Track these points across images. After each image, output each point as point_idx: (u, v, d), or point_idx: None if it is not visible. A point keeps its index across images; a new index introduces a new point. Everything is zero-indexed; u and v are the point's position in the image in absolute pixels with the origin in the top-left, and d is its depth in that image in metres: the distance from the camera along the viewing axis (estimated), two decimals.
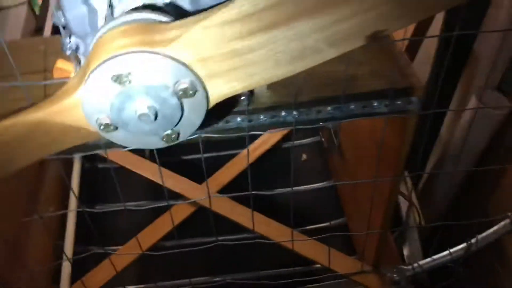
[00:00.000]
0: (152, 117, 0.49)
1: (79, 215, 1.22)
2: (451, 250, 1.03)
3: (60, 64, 0.64)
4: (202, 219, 1.22)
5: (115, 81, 0.47)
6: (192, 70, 0.48)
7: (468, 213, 1.30)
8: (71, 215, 1.21)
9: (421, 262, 1.06)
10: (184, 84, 0.48)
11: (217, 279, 1.22)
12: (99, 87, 0.48)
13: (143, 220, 1.23)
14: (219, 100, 0.52)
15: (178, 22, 0.49)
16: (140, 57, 0.46)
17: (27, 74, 0.75)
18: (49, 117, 0.51)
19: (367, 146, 0.98)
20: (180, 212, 1.18)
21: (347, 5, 0.49)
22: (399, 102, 0.74)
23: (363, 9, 0.49)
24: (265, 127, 0.73)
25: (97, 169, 1.42)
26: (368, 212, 1.01)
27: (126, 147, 0.57)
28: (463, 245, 1.02)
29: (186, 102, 0.50)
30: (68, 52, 0.61)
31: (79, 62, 0.63)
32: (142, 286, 1.18)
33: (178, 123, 0.51)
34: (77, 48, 0.62)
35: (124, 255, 1.05)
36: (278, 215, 1.18)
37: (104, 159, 1.37)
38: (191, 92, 0.48)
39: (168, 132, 0.52)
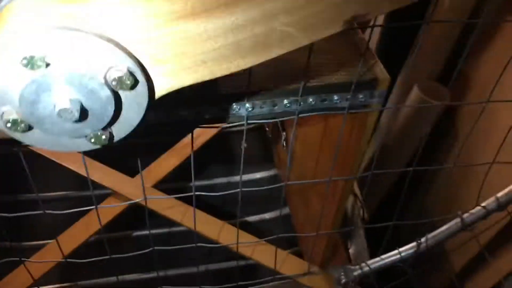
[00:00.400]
0: (76, 114, 0.37)
1: None
2: (400, 249, 0.99)
3: None
4: (136, 215, 1.10)
5: (25, 65, 0.35)
6: (129, 53, 0.38)
7: (412, 205, 1.28)
8: None
9: (369, 262, 1.01)
10: (119, 72, 0.37)
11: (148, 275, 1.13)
12: (4, 72, 0.36)
13: (67, 217, 1.10)
14: (163, 94, 0.42)
15: None
16: (59, 35, 0.35)
17: None
18: None
19: (318, 140, 0.91)
20: (109, 210, 1.06)
21: None
22: (361, 96, 0.67)
23: None
24: (213, 122, 0.63)
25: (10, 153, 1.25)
26: (316, 211, 0.95)
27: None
28: (413, 244, 0.99)
29: (122, 94, 0.39)
30: None
31: None
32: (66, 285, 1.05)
33: (110, 121, 0.41)
34: None
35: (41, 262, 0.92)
36: (216, 206, 1.10)
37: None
38: (128, 82, 0.38)
39: (98, 132, 0.41)
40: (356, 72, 0.64)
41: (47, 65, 0.36)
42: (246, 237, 1.00)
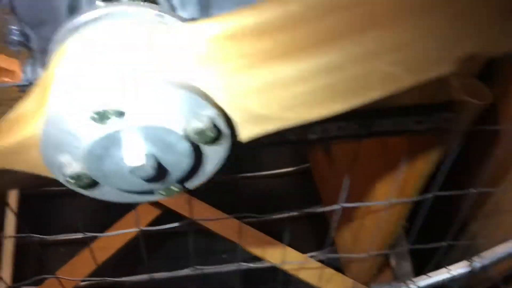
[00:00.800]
0: (151, 171, 0.32)
1: None
2: (450, 267, 0.94)
3: (1, 62, 0.45)
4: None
5: (95, 120, 0.30)
6: (212, 101, 0.32)
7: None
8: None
9: (416, 279, 0.96)
10: (200, 123, 0.32)
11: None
12: (68, 125, 0.30)
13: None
14: (245, 141, 0.36)
15: (194, 28, 0.32)
16: (138, 87, 0.29)
17: None
18: None
19: (374, 160, 0.84)
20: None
21: (437, 18, 0.33)
22: (434, 119, 0.61)
23: (460, 24, 0.34)
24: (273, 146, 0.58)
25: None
26: (366, 230, 0.90)
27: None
28: (465, 262, 0.93)
29: (202, 147, 0.34)
30: (14, 47, 0.43)
31: (29, 59, 0.45)
32: None
33: (186, 175, 0.35)
34: (26, 40, 0.43)
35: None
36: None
37: None
38: (211, 134, 0.32)
39: (170, 185, 0.36)
40: (431, 94, 0.58)
41: (119, 116, 0.30)
42: (292, 254, 0.95)
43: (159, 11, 0.34)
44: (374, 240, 0.84)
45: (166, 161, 0.33)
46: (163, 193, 0.36)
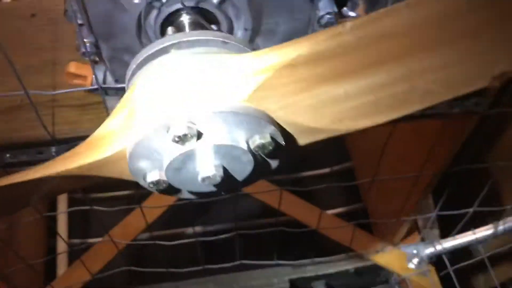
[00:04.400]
0: (218, 179, 0.38)
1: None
2: (475, 230, 0.99)
3: (73, 68, 0.50)
4: None
5: (176, 142, 0.35)
6: (272, 121, 0.37)
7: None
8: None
9: (442, 241, 1.02)
10: (262, 139, 0.37)
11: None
12: (153, 145, 0.36)
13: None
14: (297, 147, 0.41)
15: (256, 57, 0.36)
16: (211, 113, 0.35)
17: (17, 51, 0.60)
18: (86, 171, 0.39)
19: (407, 138, 0.88)
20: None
21: (474, 41, 0.37)
22: (466, 104, 0.64)
23: (494, 45, 0.38)
24: None
25: None
26: (394, 196, 0.95)
27: None
28: (489, 226, 0.98)
29: (260, 156, 0.39)
30: (86, 56, 0.48)
31: (99, 66, 0.50)
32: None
33: (246, 178, 0.41)
34: (97, 50, 0.48)
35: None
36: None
37: None
38: (270, 147, 0.37)
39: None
40: None
41: (197, 138, 0.35)
42: (325, 217, 1.01)
43: (224, 38, 0.38)
44: (403, 205, 0.90)
45: (232, 169, 0.39)
46: (225, 192, 0.42)
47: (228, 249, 1.02)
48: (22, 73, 0.48)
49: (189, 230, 1.13)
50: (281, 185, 0.85)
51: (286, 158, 0.41)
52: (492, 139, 0.97)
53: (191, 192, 0.41)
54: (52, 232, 1.09)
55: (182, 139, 0.35)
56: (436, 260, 1.02)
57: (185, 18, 0.45)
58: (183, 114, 0.34)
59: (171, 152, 0.36)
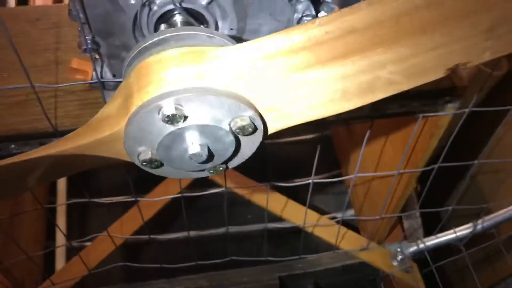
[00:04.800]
0: (204, 156, 0.43)
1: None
2: (456, 229, 1.04)
3: (76, 64, 0.55)
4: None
5: (166, 122, 0.40)
6: (251, 106, 0.42)
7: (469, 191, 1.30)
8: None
9: (424, 239, 1.06)
10: (242, 121, 0.42)
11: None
12: (146, 125, 0.41)
13: None
14: (275, 131, 0.46)
15: (236, 50, 0.41)
16: (198, 97, 0.40)
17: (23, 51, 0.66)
18: (85, 150, 0.44)
19: (386, 136, 0.93)
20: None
21: (429, 36, 0.42)
22: (439, 102, 0.70)
23: (447, 41, 0.43)
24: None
25: None
26: (379, 196, 1.00)
27: None
28: (469, 225, 1.03)
29: (241, 138, 0.44)
30: (87, 53, 0.53)
31: (98, 62, 0.55)
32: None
33: (229, 158, 0.46)
34: (97, 47, 0.53)
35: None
36: None
37: None
38: (249, 129, 0.42)
39: (217, 166, 0.46)
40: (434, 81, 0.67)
41: (184, 119, 0.40)
42: (312, 216, 1.06)
43: (209, 33, 0.43)
44: (386, 203, 0.95)
45: (215, 149, 0.43)
46: (212, 171, 0.47)
47: (220, 249, 1.07)
48: (27, 70, 0.53)
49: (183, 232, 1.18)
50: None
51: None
52: (474, 138, 1.02)
53: (182, 170, 0.46)
54: (50, 234, 1.14)
55: (171, 119, 0.40)
56: (421, 257, 1.07)
57: (177, 18, 0.50)
58: (172, 96, 0.39)
59: (161, 131, 0.41)
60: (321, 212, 1.14)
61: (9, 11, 0.73)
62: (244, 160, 0.48)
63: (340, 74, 0.43)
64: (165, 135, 0.41)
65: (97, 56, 0.55)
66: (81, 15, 0.50)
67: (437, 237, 1.06)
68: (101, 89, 0.56)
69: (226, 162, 0.46)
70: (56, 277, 0.98)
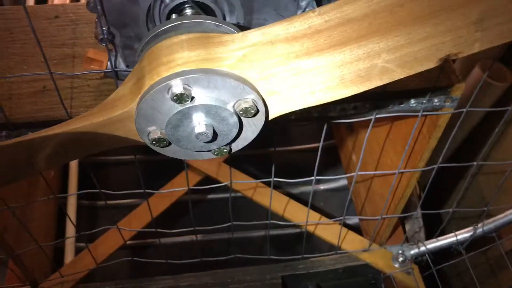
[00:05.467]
0: (210, 136, 0.46)
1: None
2: (457, 232, 1.05)
3: (91, 54, 0.59)
4: None
5: (175, 101, 0.43)
6: (254, 89, 0.45)
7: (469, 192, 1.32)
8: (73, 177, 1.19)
9: (426, 242, 1.08)
10: (246, 103, 0.45)
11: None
12: (156, 104, 0.44)
13: None
14: (276, 116, 0.49)
15: (242, 36, 0.44)
16: (204, 78, 0.43)
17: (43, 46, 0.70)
18: (98, 128, 0.47)
19: (386, 134, 0.96)
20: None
21: (422, 27, 0.45)
22: (436, 100, 0.72)
23: (439, 31, 0.46)
24: (299, 122, 0.71)
25: None
26: (379, 196, 1.02)
27: None
28: (469, 228, 1.05)
29: (244, 120, 0.47)
30: (103, 43, 0.56)
31: (113, 52, 0.59)
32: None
33: (233, 140, 0.49)
34: (112, 38, 0.57)
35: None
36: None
37: None
38: (252, 111, 0.45)
39: (221, 147, 0.49)
40: (432, 79, 0.69)
41: (192, 99, 0.43)
42: (315, 217, 1.09)
43: (217, 22, 0.47)
44: (387, 204, 0.97)
45: (220, 130, 0.47)
46: (217, 152, 0.50)
47: (225, 249, 1.09)
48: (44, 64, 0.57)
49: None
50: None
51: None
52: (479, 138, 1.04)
53: (189, 150, 0.49)
54: (60, 233, 1.17)
55: (179, 98, 0.43)
56: (422, 260, 1.08)
57: (188, 11, 0.53)
58: (180, 76, 0.42)
59: (170, 110, 0.44)
60: (324, 215, 1.16)
61: (28, 8, 0.77)
62: (247, 143, 0.50)
63: (338, 61, 0.46)
64: (173, 114, 0.44)
65: (112, 47, 0.58)
66: (99, 7, 0.54)
67: (438, 240, 1.07)
68: (115, 79, 0.60)
69: (229, 144, 0.49)
70: (65, 269, 1.00)
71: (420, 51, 0.47)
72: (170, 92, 0.43)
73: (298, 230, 1.20)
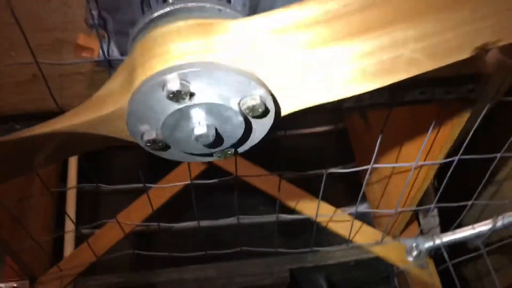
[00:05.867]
0: (211, 138, 0.40)
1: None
2: (475, 225, 1.00)
3: (82, 40, 0.53)
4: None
5: (171, 99, 0.37)
6: (262, 84, 0.39)
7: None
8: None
9: (441, 235, 1.03)
10: (252, 101, 0.39)
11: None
12: (150, 101, 0.38)
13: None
14: (287, 114, 0.43)
15: (248, 22, 0.38)
16: (205, 72, 0.37)
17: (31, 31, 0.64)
18: (88, 127, 0.42)
19: (405, 126, 0.90)
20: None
21: (455, 11, 0.39)
22: (462, 90, 0.66)
23: (476, 17, 0.39)
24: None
25: None
26: (395, 189, 0.96)
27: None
28: (488, 221, 0.99)
29: (251, 119, 0.41)
30: (94, 28, 0.51)
31: (105, 39, 0.53)
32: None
33: (238, 141, 0.43)
34: (104, 23, 0.51)
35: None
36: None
37: None
38: (260, 110, 0.40)
39: (225, 149, 0.44)
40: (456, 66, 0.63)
41: (190, 97, 0.38)
42: (326, 208, 1.03)
43: (220, 6, 0.41)
44: (402, 197, 0.91)
45: (223, 131, 0.41)
46: (220, 155, 0.45)
47: (230, 239, 1.04)
48: (34, 50, 0.51)
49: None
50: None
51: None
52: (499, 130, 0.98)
53: (188, 153, 0.44)
54: (61, 222, 1.12)
55: (176, 96, 0.37)
56: (437, 254, 1.03)
57: None
58: (177, 70, 0.36)
59: (166, 109, 0.38)
60: (335, 205, 1.10)
61: None
62: (254, 144, 0.45)
63: (358, 52, 0.40)
64: (169, 114, 0.39)
65: (104, 34, 0.52)
66: None
67: (455, 233, 1.02)
68: (108, 68, 0.54)
69: (235, 146, 0.44)
70: (64, 263, 0.97)
71: (453, 39, 0.40)
72: (165, 89, 0.37)
73: (307, 218, 1.15)
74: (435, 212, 1.09)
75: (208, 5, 0.40)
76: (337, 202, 1.19)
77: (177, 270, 1.04)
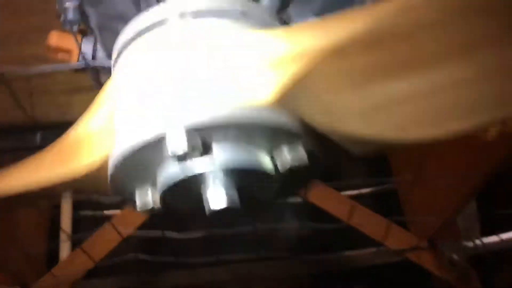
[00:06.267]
0: (233, 212, 0.27)
1: None
2: None
3: (55, 39, 0.39)
4: None
5: (175, 159, 0.25)
6: (307, 131, 0.26)
7: None
8: None
9: (485, 240, 0.91)
10: (292, 152, 0.26)
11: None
12: (145, 159, 0.25)
13: None
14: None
15: (283, 38, 0.25)
16: (223, 128, 0.24)
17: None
18: (56, 184, 0.29)
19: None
20: None
21: None
22: None
23: None
24: None
25: None
26: (439, 196, 0.84)
27: None
28: None
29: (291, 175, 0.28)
30: (68, 25, 0.37)
31: (87, 37, 0.40)
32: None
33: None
34: (85, 18, 0.38)
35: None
36: None
37: None
38: (304, 162, 0.26)
39: None
40: None
41: (203, 154, 0.25)
42: (359, 210, 0.91)
43: (243, 6, 0.27)
44: (443, 202, 0.80)
45: (250, 194, 0.28)
46: None
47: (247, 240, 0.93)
48: (2, 41, 0.39)
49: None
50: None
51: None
52: None
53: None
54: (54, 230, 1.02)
55: (182, 157, 0.24)
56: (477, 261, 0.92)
57: None
58: (182, 123, 0.23)
59: (169, 174, 0.26)
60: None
61: None
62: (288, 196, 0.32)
63: (454, 78, 0.27)
64: (174, 182, 0.26)
65: (85, 30, 0.39)
66: None
67: (500, 237, 0.90)
68: (91, 74, 0.41)
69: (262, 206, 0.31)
70: (59, 269, 0.86)
71: None
72: (166, 147, 0.24)
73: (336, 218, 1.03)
74: (475, 212, 0.96)
75: (225, 5, 0.27)
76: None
77: (186, 273, 0.94)
